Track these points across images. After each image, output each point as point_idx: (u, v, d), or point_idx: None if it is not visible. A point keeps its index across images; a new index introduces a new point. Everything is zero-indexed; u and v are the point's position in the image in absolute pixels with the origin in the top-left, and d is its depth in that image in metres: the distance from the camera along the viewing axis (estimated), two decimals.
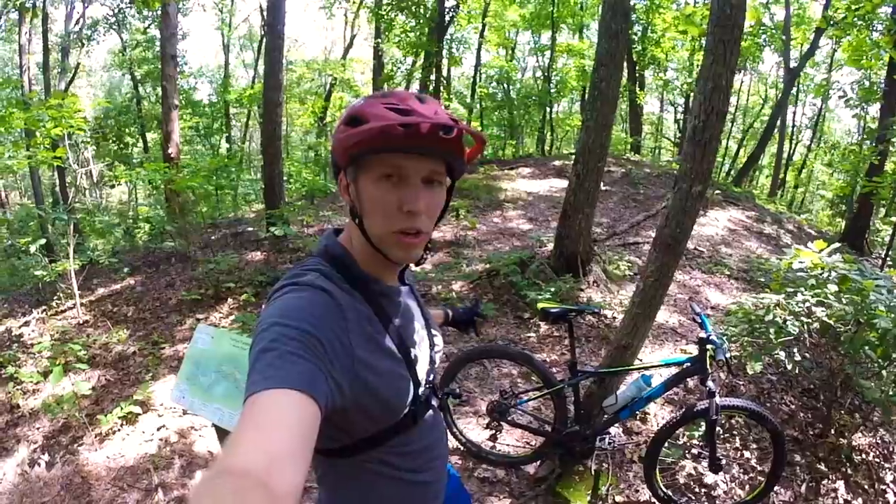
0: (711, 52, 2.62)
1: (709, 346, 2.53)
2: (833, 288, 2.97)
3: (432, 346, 1.23)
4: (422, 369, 1.14)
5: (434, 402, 1.23)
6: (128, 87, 22.57)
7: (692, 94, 16.38)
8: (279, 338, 0.84)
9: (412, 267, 1.23)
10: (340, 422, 0.99)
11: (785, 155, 18.37)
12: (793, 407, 3.72)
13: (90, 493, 3.49)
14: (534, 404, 3.59)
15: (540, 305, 2.85)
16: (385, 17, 14.01)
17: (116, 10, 16.33)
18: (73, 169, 8.03)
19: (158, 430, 4.02)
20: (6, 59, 23.34)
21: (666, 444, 2.84)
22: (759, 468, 3.16)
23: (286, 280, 1.01)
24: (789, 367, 2.90)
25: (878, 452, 3.29)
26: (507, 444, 3.46)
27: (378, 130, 0.91)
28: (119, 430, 4.06)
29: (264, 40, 9.61)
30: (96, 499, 3.45)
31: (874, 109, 11.35)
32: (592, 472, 3.07)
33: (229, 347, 2.49)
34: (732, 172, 18.10)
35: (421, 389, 1.12)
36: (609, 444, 2.77)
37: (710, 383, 2.52)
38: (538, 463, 3.21)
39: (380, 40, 15.33)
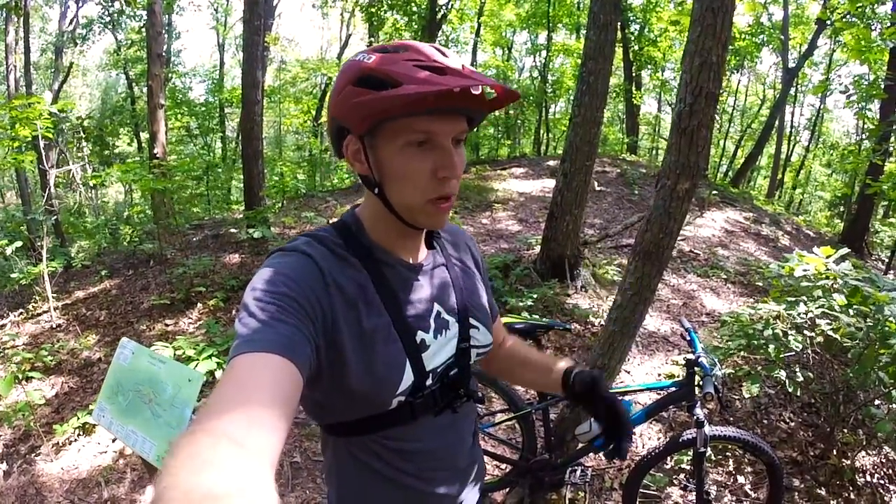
0: (699, 23, 2.22)
1: (697, 370, 2.20)
2: (841, 299, 2.65)
3: (465, 338, 1.06)
4: (432, 359, 0.99)
5: (457, 403, 1.05)
6: (123, 87, 22.34)
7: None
8: (259, 304, 0.82)
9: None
10: (321, 398, 0.94)
11: (783, 156, 18.23)
12: (792, 424, 3.43)
13: None
14: (504, 427, 3.28)
15: (504, 320, 2.53)
16: (376, 14, 13.74)
17: (110, 9, 16.07)
18: (47, 170, 7.75)
19: (114, 441, 3.80)
20: None
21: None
22: (753, 495, 2.87)
23: (278, 248, 0.96)
24: (790, 389, 2.59)
25: (882, 473, 3.04)
26: None
27: (420, 96, 0.79)
28: (76, 440, 3.91)
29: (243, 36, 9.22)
30: None
31: (875, 108, 11.05)
32: (567, 501, 2.77)
33: (147, 367, 2.18)
34: (730, 173, 17.89)
35: (428, 381, 0.98)
36: (580, 477, 2.44)
37: (698, 411, 2.19)
38: (506, 490, 2.91)
39: (373, 39, 15.06)
